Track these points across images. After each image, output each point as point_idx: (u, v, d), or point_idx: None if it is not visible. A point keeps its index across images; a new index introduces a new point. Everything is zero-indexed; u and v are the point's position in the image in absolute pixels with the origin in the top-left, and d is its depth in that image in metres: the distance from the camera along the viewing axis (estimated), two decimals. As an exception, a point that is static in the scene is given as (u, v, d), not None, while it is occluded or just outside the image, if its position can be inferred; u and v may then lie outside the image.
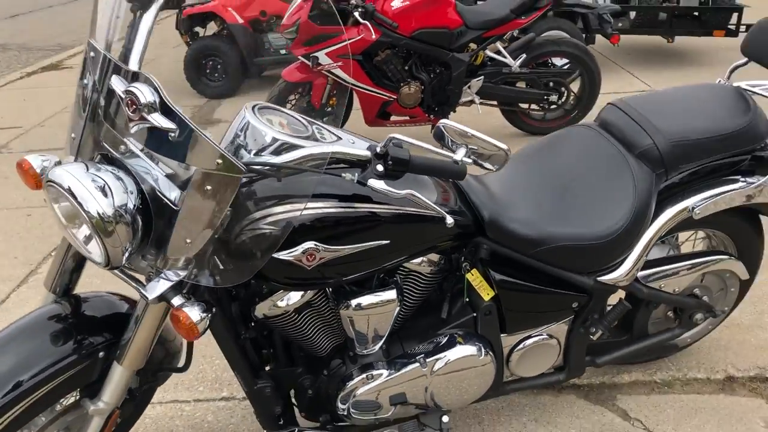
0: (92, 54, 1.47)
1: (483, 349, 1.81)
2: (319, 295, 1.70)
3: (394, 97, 4.36)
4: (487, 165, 1.42)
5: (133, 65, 1.44)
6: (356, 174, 1.47)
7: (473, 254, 1.80)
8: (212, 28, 6.92)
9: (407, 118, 4.58)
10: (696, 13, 6.23)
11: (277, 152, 1.43)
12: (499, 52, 4.36)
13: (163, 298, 1.45)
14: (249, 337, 1.74)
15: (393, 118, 4.60)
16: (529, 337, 1.92)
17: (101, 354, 1.62)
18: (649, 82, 5.73)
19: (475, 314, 1.84)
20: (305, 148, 1.41)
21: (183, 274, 1.46)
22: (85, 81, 1.49)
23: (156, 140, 1.36)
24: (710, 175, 1.91)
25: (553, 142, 2.01)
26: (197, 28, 6.90)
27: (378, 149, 1.43)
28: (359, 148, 1.46)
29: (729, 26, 6.06)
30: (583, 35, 5.07)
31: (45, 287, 1.74)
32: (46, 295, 1.74)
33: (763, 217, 2.12)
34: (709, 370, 2.33)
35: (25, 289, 3.14)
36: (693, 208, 1.85)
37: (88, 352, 1.60)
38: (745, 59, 2.05)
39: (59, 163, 1.64)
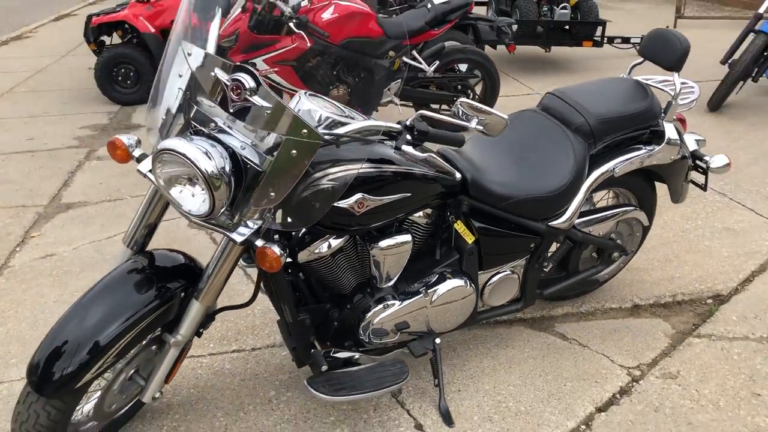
0: (189, 52, 1.88)
1: (467, 282, 2.35)
2: (349, 242, 2.17)
3: (325, 99, 4.83)
4: (489, 132, 1.96)
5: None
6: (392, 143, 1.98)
7: (457, 208, 2.34)
8: (117, 36, 7.07)
9: (333, 118, 5.06)
10: (567, 27, 7.17)
11: (328, 127, 1.91)
12: (415, 59, 4.96)
13: (247, 241, 1.88)
14: (290, 279, 2.19)
15: (319, 118, 5.06)
16: (498, 273, 2.48)
17: (179, 296, 2.01)
18: (532, 86, 6.56)
19: (459, 256, 2.37)
20: (358, 122, 1.90)
21: (260, 222, 1.89)
22: (180, 74, 1.90)
23: (253, 117, 1.79)
24: (623, 145, 2.57)
25: (509, 122, 2.60)
26: (103, 37, 7.03)
27: (408, 123, 1.94)
28: (392, 124, 1.96)
29: (595, 38, 7.04)
30: (474, 45, 5.77)
31: (123, 244, 2.11)
32: (124, 251, 2.11)
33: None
34: (620, 301, 3.01)
35: (10, 278, 3.35)
36: (614, 168, 2.50)
37: (169, 296, 1.98)
38: (642, 59, 2.74)
39: (139, 142, 2.04)
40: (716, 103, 5.56)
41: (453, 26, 5.15)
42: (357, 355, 2.28)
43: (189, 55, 1.89)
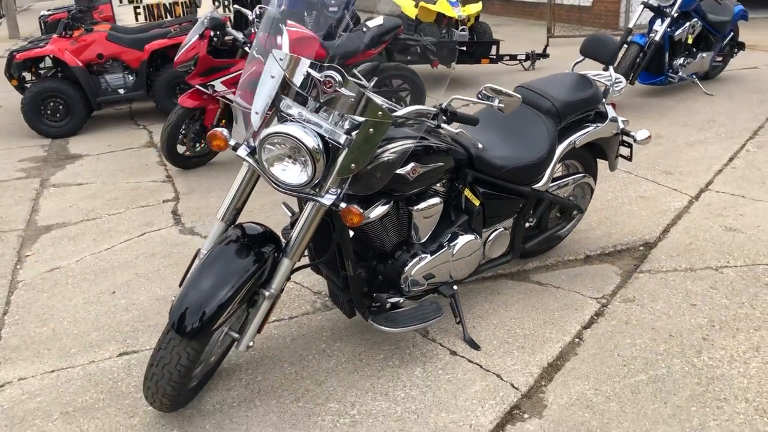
0: (281, 58, 2.38)
1: (476, 238, 2.97)
2: (392, 207, 2.72)
3: (278, 115, 5.32)
4: (505, 109, 2.58)
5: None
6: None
7: (464, 179, 2.95)
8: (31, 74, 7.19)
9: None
10: (464, 48, 8.04)
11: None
12: (356, 77, 5.54)
13: (334, 203, 2.39)
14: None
15: (268, 135, 5.53)
16: (495, 230, 3.11)
17: (273, 257, 2.48)
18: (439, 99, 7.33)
19: (468, 217, 2.98)
20: (409, 107, 2.48)
21: (341, 189, 2.41)
22: (272, 75, 2.40)
23: (340, 104, 2.32)
24: (578, 123, 3.30)
25: (493, 110, 3.24)
26: (25, 73, 7.14)
27: (443, 106, 2.54)
28: (430, 107, 2.55)
29: (491, 56, 7.96)
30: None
31: (218, 218, 2.55)
32: (219, 225, 2.55)
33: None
34: (575, 253, 3.73)
35: (33, 287, 3.59)
36: (575, 141, 3.22)
37: (265, 257, 2.45)
38: (582, 57, 3.49)
39: (228, 131, 2.51)
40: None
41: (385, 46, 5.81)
42: (401, 300, 2.82)
43: (281, 60, 2.40)
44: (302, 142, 2.26)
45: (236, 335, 2.55)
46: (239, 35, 5.07)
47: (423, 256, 2.82)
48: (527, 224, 3.25)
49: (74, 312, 3.37)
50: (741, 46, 7.62)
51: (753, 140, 5.53)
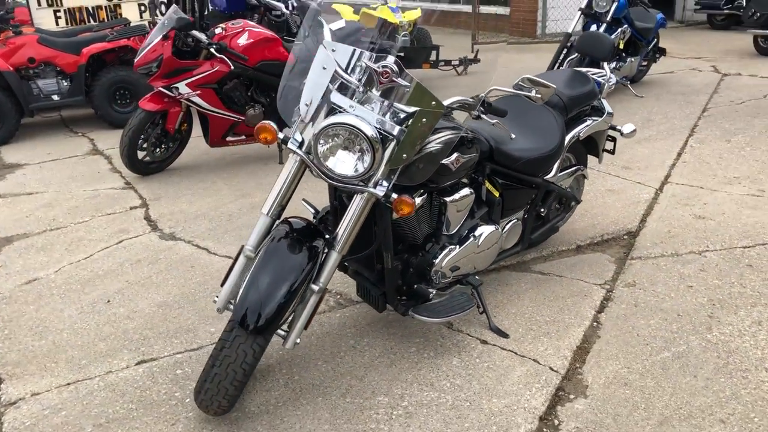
0: (333, 49, 2.36)
1: (497, 228, 3.03)
2: (426, 201, 2.74)
3: (242, 118, 5.23)
4: (543, 98, 2.65)
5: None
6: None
7: (484, 171, 3.02)
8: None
9: (243, 138, 5.45)
10: (402, 54, 8.14)
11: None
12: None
13: (386, 195, 2.39)
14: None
15: (229, 138, 5.43)
16: (510, 221, 3.19)
17: (323, 251, 2.44)
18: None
19: (488, 208, 3.05)
20: (454, 97, 2.51)
21: (391, 180, 2.41)
22: (324, 67, 2.37)
23: (395, 95, 2.33)
24: (579, 117, 3.44)
25: (506, 105, 3.31)
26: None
27: (482, 96, 2.59)
28: (469, 98, 2.60)
29: (431, 60, 8.11)
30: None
31: (263, 213, 2.48)
32: (264, 220, 2.49)
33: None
34: (568, 244, 3.87)
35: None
36: (580, 133, 3.36)
37: (317, 252, 2.42)
38: (577, 54, 3.64)
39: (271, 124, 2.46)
40: (548, 105, 6.82)
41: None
42: (433, 292, 2.84)
43: (333, 51, 2.38)
44: (363, 132, 2.25)
45: (283, 332, 2.49)
46: (203, 36, 4.95)
47: (452, 247, 2.85)
48: (541, 213, 3.35)
49: (71, 323, 3.19)
50: (662, 51, 8.12)
51: (693, 137, 5.91)
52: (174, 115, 5.07)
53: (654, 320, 3.07)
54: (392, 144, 2.33)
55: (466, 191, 2.81)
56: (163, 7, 7.99)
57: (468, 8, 11.31)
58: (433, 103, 2.33)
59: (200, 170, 5.40)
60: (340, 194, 2.68)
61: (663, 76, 8.56)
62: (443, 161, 2.56)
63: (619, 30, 7.15)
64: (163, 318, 3.20)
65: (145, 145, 5.13)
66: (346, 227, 2.44)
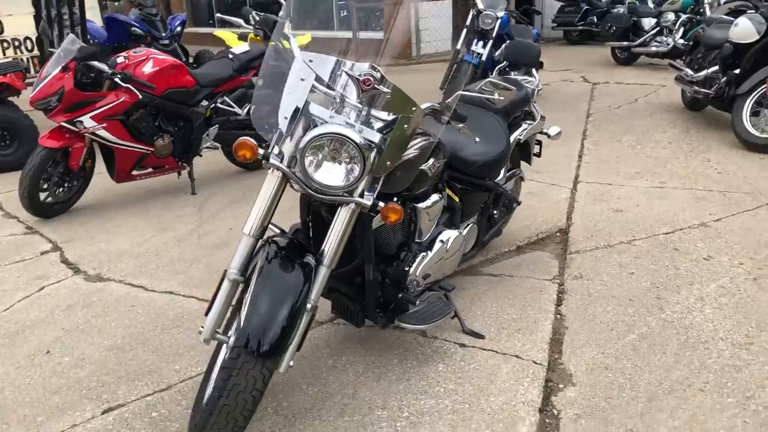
0: (310, 59, 2.32)
1: (461, 232, 3.08)
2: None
3: (151, 149, 5.00)
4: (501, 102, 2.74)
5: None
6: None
7: (443, 177, 3.06)
8: None
9: (150, 170, 5.21)
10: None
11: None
12: (228, 104, 5.39)
13: (374, 204, 2.36)
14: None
15: (136, 172, 5.17)
16: (467, 225, 3.25)
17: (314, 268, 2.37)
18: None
19: (450, 214, 3.09)
20: (428, 103, 2.54)
21: (375, 188, 2.39)
22: (302, 78, 2.32)
23: (375, 102, 2.32)
24: (516, 121, 3.57)
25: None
26: None
27: (449, 102, 2.64)
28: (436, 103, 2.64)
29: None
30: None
31: (245, 233, 2.37)
32: (246, 240, 2.37)
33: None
34: (509, 245, 3.99)
35: None
36: (520, 137, 3.48)
37: (310, 269, 2.34)
38: (505, 62, 3.79)
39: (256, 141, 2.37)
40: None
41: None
42: (417, 301, 2.82)
43: (311, 61, 2.33)
44: (353, 140, 2.22)
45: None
46: (104, 66, 4.69)
47: (424, 254, 2.86)
48: (494, 216, 3.43)
49: (11, 380, 2.88)
50: (541, 64, 8.61)
51: (587, 140, 6.30)
52: (78, 151, 4.76)
53: (610, 307, 3.23)
54: (374, 152, 2.31)
55: (436, 197, 2.83)
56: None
57: (350, 34, 11.46)
58: (414, 108, 2.34)
59: (108, 208, 5.08)
60: (315, 210, 2.62)
61: (552, 86, 9.05)
62: (422, 167, 2.57)
63: (503, 45, 7.52)
64: (118, 362, 2.97)
65: (46, 186, 4.76)
66: (333, 241, 2.39)
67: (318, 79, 2.36)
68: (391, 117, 2.35)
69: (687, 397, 2.55)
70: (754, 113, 5.71)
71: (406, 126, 2.34)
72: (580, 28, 13.28)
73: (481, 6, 7.27)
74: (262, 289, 2.18)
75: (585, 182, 5.08)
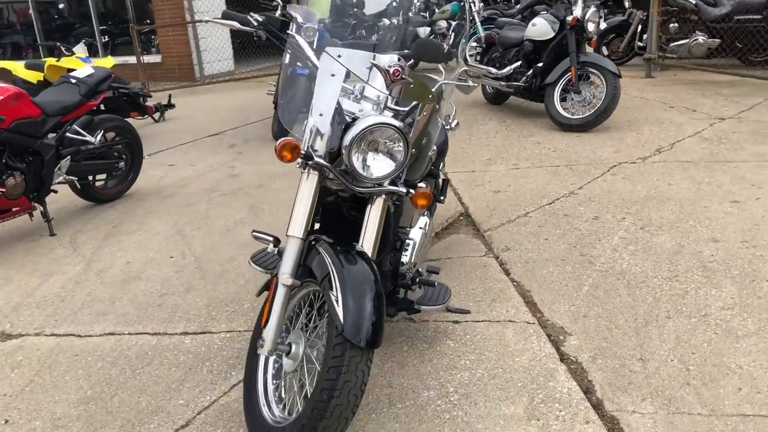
0: (339, 54, 2.33)
1: (431, 219, 3.23)
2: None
3: (2, 190, 4.41)
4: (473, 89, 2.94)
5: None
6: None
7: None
8: None
9: (-2, 215, 4.60)
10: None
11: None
12: (78, 133, 4.91)
13: (408, 191, 2.45)
14: None
15: (-22, 221, 4.54)
16: (423, 212, 3.41)
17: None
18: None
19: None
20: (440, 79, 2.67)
21: (403, 176, 2.49)
22: (332, 74, 2.32)
23: (402, 91, 2.41)
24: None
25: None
26: None
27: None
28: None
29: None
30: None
31: (293, 236, 2.31)
32: (296, 242, 2.32)
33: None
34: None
35: None
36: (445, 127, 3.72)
37: (368, 258, 2.36)
38: (412, 60, 3.98)
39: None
40: (283, 134, 7.07)
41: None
42: (420, 287, 2.91)
43: (339, 56, 2.34)
44: (398, 127, 2.30)
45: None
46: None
47: (413, 242, 2.97)
48: (438, 203, 3.63)
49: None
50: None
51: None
52: None
53: (550, 268, 3.61)
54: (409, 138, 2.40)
55: (423, 183, 2.96)
56: None
57: (134, 59, 10.86)
58: (430, 96, 2.48)
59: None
60: (333, 208, 2.62)
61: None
62: (430, 153, 2.70)
63: (413, 44, 7.73)
64: (107, 412, 2.66)
65: None
66: (370, 232, 2.43)
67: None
68: (407, 107, 2.45)
69: (662, 325, 2.98)
70: (563, 99, 6.59)
71: (424, 113, 2.46)
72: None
73: (300, 20, 7.39)
74: (347, 284, 2.16)
75: (452, 172, 5.48)
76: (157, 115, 8.55)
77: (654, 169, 5.14)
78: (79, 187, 5.03)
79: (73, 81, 4.95)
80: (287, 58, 2.61)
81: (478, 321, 3.10)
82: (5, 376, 2.97)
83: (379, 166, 2.33)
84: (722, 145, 5.61)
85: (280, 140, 2.27)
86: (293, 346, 2.35)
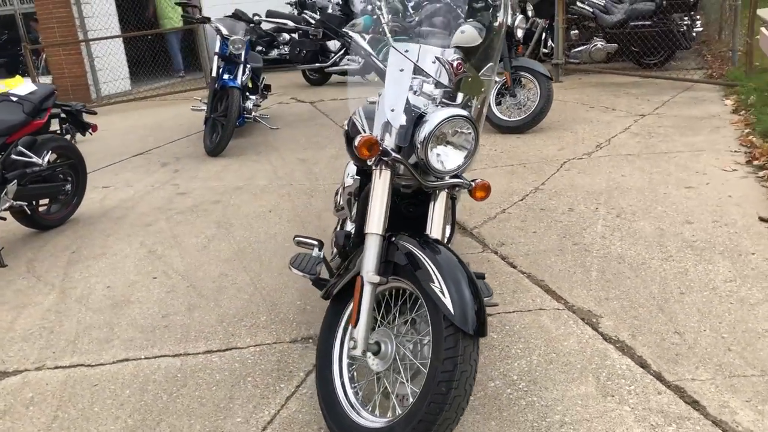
0: (406, 50, 2.32)
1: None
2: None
3: (-50, 220, 4.03)
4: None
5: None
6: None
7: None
8: None
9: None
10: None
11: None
12: (24, 154, 4.54)
13: (470, 183, 2.48)
14: None
15: None
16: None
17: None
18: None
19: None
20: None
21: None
22: (401, 69, 2.31)
23: (462, 84, 2.44)
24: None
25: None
26: None
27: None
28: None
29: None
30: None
31: (374, 233, 2.28)
32: (377, 239, 2.30)
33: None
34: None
35: None
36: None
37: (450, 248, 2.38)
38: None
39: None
40: (219, 149, 6.86)
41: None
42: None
43: (407, 51, 2.34)
44: (470, 119, 2.33)
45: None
46: None
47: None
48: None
49: None
50: (268, 88, 8.85)
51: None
52: None
53: (552, 259, 3.73)
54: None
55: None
56: None
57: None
58: (483, 89, 2.53)
59: None
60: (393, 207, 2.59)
61: (269, 110, 9.27)
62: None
63: (248, 70, 7.60)
64: (159, 439, 2.49)
65: None
66: (437, 225, 2.44)
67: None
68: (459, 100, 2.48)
69: (680, 300, 3.16)
70: (498, 102, 6.82)
71: (478, 106, 2.50)
72: (273, 57, 13.60)
73: (225, 32, 7.24)
74: (446, 274, 2.14)
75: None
76: (68, 137, 8.03)
77: (602, 163, 5.44)
78: (28, 212, 4.63)
79: (15, 99, 4.58)
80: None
81: (510, 312, 3.16)
82: (22, 416, 2.71)
83: (452, 158, 2.34)
84: (654, 139, 6.01)
85: (360, 137, 2.23)
86: (382, 345, 2.30)
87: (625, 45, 9.46)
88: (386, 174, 2.34)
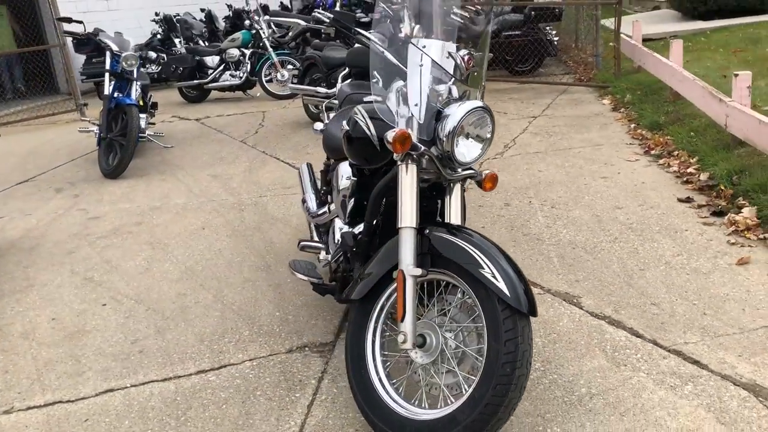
0: (423, 45, 2.36)
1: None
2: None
3: None
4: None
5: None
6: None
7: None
8: None
9: None
10: None
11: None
12: None
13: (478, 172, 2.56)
14: None
15: None
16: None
17: None
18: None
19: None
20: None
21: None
22: (420, 64, 2.35)
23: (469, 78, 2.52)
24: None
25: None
26: None
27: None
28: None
29: None
30: None
31: (409, 226, 2.30)
32: (412, 233, 2.31)
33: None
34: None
35: None
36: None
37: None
38: (347, 68, 4.01)
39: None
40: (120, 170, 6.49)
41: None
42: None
43: (424, 47, 2.38)
44: (490, 111, 2.41)
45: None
46: None
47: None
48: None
49: None
50: (155, 106, 8.48)
51: (291, 158, 6.69)
52: None
53: (511, 250, 3.82)
54: None
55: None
56: None
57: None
58: (483, 83, 2.63)
59: None
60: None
61: (164, 125, 8.85)
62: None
63: (140, 88, 7.25)
64: (186, 465, 2.34)
65: None
66: (455, 217, 2.50)
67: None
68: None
69: (643, 276, 3.43)
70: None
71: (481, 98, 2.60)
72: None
73: (115, 48, 6.88)
74: (492, 258, 2.20)
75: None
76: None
77: (516, 161, 5.73)
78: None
79: None
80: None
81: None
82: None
83: (471, 149, 2.40)
84: (553, 137, 6.42)
85: (394, 131, 2.24)
86: (426, 338, 2.31)
87: (500, 54, 9.99)
88: (413, 168, 2.36)
